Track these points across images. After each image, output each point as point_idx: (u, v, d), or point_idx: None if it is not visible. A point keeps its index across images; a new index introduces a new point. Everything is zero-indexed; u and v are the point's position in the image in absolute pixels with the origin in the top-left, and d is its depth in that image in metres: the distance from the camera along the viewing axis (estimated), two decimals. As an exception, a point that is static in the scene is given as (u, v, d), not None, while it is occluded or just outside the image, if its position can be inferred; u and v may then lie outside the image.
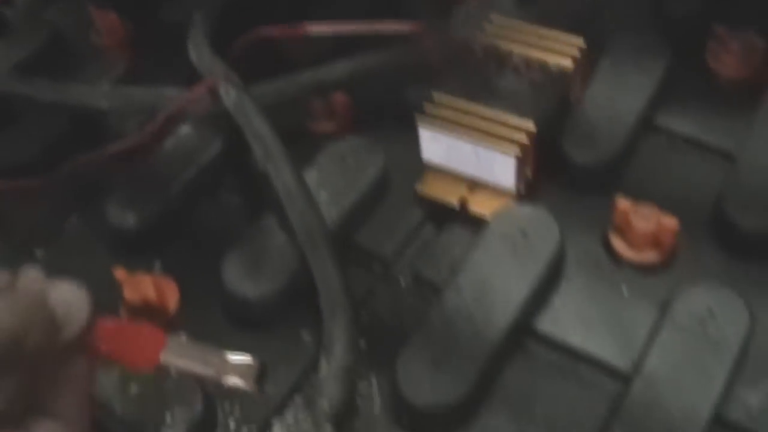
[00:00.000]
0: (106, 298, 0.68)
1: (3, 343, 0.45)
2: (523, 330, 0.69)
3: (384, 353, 0.69)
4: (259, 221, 0.76)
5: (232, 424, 0.68)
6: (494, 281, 0.69)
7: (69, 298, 0.51)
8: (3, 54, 1.00)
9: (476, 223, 0.74)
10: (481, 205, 0.75)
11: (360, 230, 0.78)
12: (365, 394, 0.69)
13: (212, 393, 0.66)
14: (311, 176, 0.76)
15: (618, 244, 0.72)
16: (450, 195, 0.77)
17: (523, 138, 0.71)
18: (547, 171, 0.77)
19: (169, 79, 0.88)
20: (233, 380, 0.57)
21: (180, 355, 0.57)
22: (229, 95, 0.78)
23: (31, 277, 0.51)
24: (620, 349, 0.68)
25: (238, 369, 0.57)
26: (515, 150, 0.71)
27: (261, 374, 0.58)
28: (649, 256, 0.71)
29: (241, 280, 0.72)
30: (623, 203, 0.70)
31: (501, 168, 0.72)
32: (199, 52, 0.85)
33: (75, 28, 1.04)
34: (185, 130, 0.84)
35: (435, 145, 0.74)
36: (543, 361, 0.69)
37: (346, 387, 0.65)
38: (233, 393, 0.64)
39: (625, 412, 0.63)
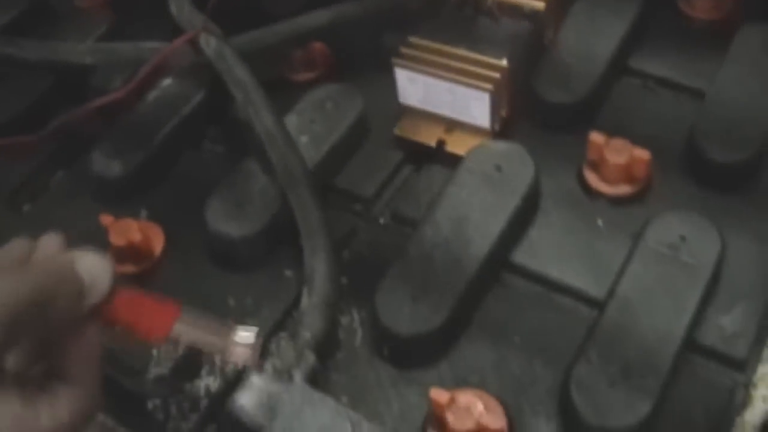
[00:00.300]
0: (92, 245, 0.71)
1: (29, 305, 0.47)
2: (500, 262, 0.71)
3: (365, 289, 0.70)
4: (240, 166, 0.76)
5: (217, 361, 0.69)
6: (471, 214, 0.70)
7: (95, 267, 0.52)
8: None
9: (454, 163, 0.75)
10: (458, 145, 0.77)
11: (340, 173, 0.80)
12: (347, 328, 0.70)
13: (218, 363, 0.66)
14: (291, 122, 0.78)
15: (592, 178, 0.73)
16: (427, 136, 0.79)
17: (496, 75, 0.73)
18: (522, 111, 0.78)
19: (150, 38, 0.88)
20: (238, 356, 0.59)
21: (190, 329, 0.59)
22: (210, 45, 0.80)
23: (51, 243, 0.52)
24: (595, 278, 0.70)
25: (242, 346, 0.59)
26: (489, 86, 0.72)
27: (263, 350, 0.60)
28: (623, 188, 0.73)
29: (224, 221, 0.74)
30: (597, 137, 0.72)
31: (476, 106, 0.73)
32: (179, 5, 0.86)
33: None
34: (168, 82, 0.85)
35: (411, 86, 0.75)
36: (520, 291, 0.71)
37: (327, 318, 0.66)
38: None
39: (599, 335, 0.64)
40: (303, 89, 0.84)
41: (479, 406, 0.61)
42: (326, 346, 0.67)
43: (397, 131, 0.79)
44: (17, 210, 0.84)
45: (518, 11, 0.78)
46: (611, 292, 0.66)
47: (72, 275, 0.50)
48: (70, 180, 0.87)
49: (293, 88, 0.86)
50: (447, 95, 0.74)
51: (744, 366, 0.64)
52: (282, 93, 0.81)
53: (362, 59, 0.87)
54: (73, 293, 0.50)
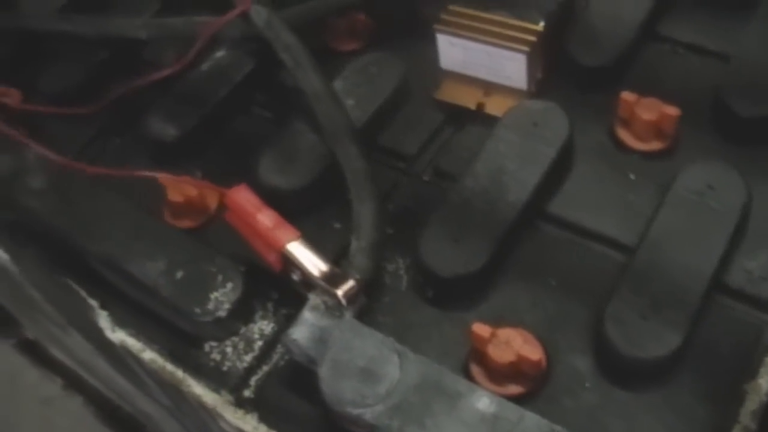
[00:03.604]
0: (149, 202, 0.76)
1: None
2: (536, 211, 0.74)
3: (409, 239, 0.74)
4: (289, 125, 0.81)
5: (270, 306, 0.74)
6: (509, 166, 0.74)
7: None
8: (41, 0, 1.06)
9: (492, 124, 0.79)
10: (496, 107, 0.81)
11: (384, 133, 0.84)
12: (392, 274, 0.74)
13: (301, 290, 0.70)
14: (338, 86, 0.82)
15: (623, 134, 0.77)
16: (467, 99, 0.83)
17: (532, 38, 0.77)
18: (556, 73, 0.82)
19: (197, 13, 0.93)
20: (337, 293, 0.66)
21: (302, 253, 0.66)
22: (260, 15, 0.84)
23: None
24: (627, 226, 0.73)
25: (343, 285, 0.66)
26: (526, 48, 0.76)
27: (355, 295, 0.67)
28: (653, 144, 0.77)
29: (275, 174, 0.78)
30: (628, 95, 0.76)
31: (513, 67, 0.78)
32: (230, -20, 0.90)
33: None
34: (220, 53, 0.90)
35: (452, 50, 0.80)
36: (555, 238, 0.75)
37: (374, 260, 0.70)
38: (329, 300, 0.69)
39: (631, 274, 0.67)
40: (347, 58, 0.88)
41: (518, 340, 0.65)
42: (373, 288, 0.71)
43: (437, 95, 0.82)
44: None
45: (553, -21, 0.81)
46: (642, 237, 0.69)
47: None
48: (126, 144, 0.91)
49: (338, 57, 0.90)
50: (485, 58, 0.78)
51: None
52: (327, 62, 0.84)
53: (402, 28, 0.91)
54: None
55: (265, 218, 0.68)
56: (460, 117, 0.82)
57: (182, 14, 0.93)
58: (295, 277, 0.68)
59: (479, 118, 0.81)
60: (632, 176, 0.75)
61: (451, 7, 0.80)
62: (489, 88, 0.81)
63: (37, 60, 0.99)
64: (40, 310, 1.01)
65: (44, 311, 0.99)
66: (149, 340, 0.74)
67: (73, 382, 1.56)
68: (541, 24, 0.77)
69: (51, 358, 1.60)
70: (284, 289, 0.73)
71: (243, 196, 0.70)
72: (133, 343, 0.75)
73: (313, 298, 0.66)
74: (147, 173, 0.77)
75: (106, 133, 0.92)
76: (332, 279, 0.66)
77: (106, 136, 0.92)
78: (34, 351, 1.64)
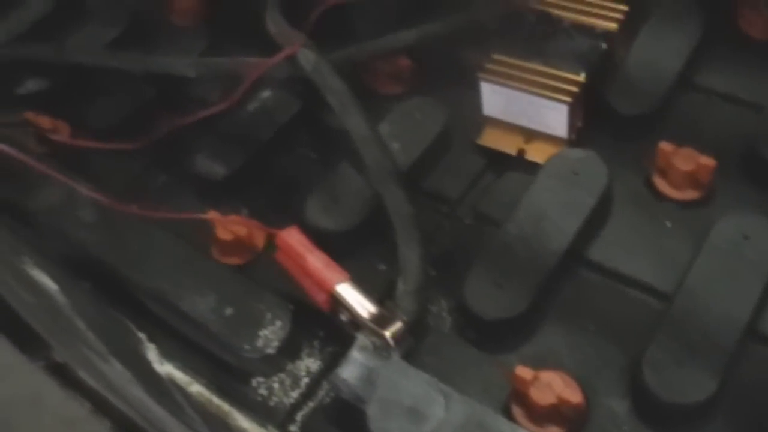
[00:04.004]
0: (197, 239, 0.78)
1: None
2: (576, 257, 0.76)
3: (451, 280, 0.77)
4: (336, 168, 0.84)
5: (316, 343, 0.76)
6: (550, 213, 0.76)
7: None
8: (92, 35, 1.09)
9: (532, 170, 0.82)
10: (536, 153, 0.84)
11: (427, 177, 0.86)
12: (435, 315, 0.76)
13: (349, 330, 0.72)
14: (384, 130, 0.85)
15: (660, 183, 0.80)
16: (508, 145, 0.85)
17: (574, 88, 0.79)
18: (595, 122, 0.85)
19: (245, 53, 0.96)
20: (385, 334, 0.68)
21: (351, 295, 0.69)
22: (308, 60, 0.87)
23: None
24: (663, 274, 0.75)
25: (391, 327, 0.68)
26: (568, 98, 0.79)
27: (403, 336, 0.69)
28: (689, 193, 0.79)
29: (322, 216, 0.81)
30: (666, 146, 0.78)
31: (554, 117, 0.80)
32: (276, 23, 0.93)
33: (153, 10, 1.12)
34: (266, 93, 0.92)
35: (495, 98, 0.82)
36: (594, 284, 0.77)
37: (420, 303, 0.72)
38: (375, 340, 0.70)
39: (668, 321, 0.70)
40: (389, 101, 0.91)
41: (559, 383, 0.67)
42: (418, 329, 0.73)
43: (479, 140, 0.85)
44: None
45: (592, 31, 0.83)
46: (679, 284, 0.71)
47: None
48: (173, 180, 0.93)
49: (380, 99, 0.93)
50: (528, 107, 0.80)
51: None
52: (370, 104, 0.86)
53: (443, 72, 0.93)
54: None
55: (316, 260, 0.71)
56: (501, 162, 0.85)
57: (228, 54, 0.96)
58: (343, 317, 0.70)
59: (520, 163, 0.84)
60: (668, 224, 0.78)
61: (495, 56, 0.82)
62: (530, 134, 0.83)
63: (86, 94, 1.01)
64: (80, 337, 1.03)
65: (85, 339, 1.01)
66: (196, 373, 0.76)
67: (101, 406, 1.58)
68: (583, 75, 0.79)
69: (79, 382, 1.62)
70: (330, 328, 0.74)
71: (294, 238, 0.72)
72: (180, 376, 0.76)
73: (362, 339, 0.68)
74: (198, 215, 0.79)
75: (153, 167, 0.94)
76: (380, 320, 0.68)
77: (152, 171, 0.93)
78: (62, 374, 1.66)
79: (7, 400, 1.85)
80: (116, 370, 0.98)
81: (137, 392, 1.00)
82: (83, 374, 1.47)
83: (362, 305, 0.69)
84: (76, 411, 1.63)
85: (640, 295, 0.75)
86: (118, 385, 1.11)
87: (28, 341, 1.48)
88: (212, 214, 0.81)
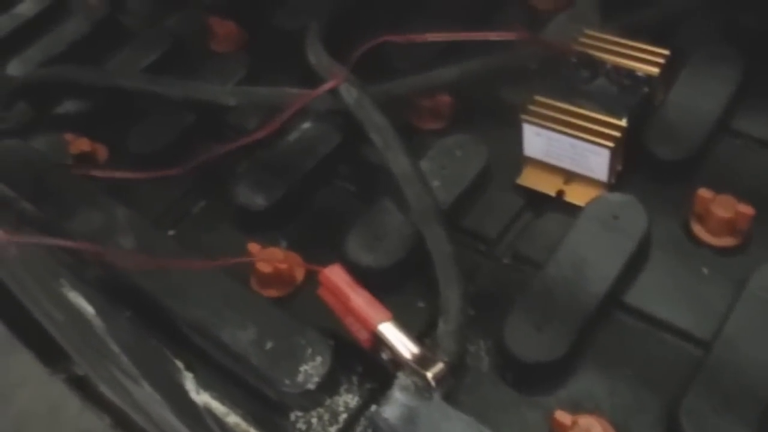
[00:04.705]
0: (236, 269, 0.80)
1: None
2: (613, 301, 0.77)
3: (489, 320, 0.78)
4: (376, 203, 0.85)
5: (354, 379, 0.77)
6: (589, 257, 0.77)
7: None
8: (130, 58, 1.10)
9: (571, 211, 0.83)
10: (575, 195, 0.84)
11: (466, 215, 0.87)
12: (474, 355, 0.77)
13: (390, 369, 0.73)
14: (425, 167, 0.85)
15: (698, 229, 0.80)
16: (547, 186, 0.86)
17: (616, 132, 0.80)
18: (633, 165, 0.86)
19: (283, 82, 0.98)
20: (427, 375, 0.69)
21: (393, 334, 0.69)
22: (351, 94, 0.88)
23: None
24: (701, 320, 0.76)
25: (433, 368, 0.69)
26: (610, 143, 0.80)
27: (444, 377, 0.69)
28: (727, 240, 0.80)
29: (363, 252, 0.81)
30: (705, 192, 0.79)
31: (595, 160, 0.81)
32: (317, 55, 0.94)
33: (194, 36, 1.14)
34: (306, 124, 0.93)
35: (536, 140, 0.83)
36: (631, 328, 0.77)
37: (460, 344, 0.73)
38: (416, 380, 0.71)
39: (705, 370, 0.70)
40: (429, 136, 0.92)
41: (598, 428, 0.68)
42: (458, 370, 0.73)
43: (519, 180, 0.86)
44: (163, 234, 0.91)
45: (634, 75, 0.84)
46: (717, 332, 0.72)
47: None
48: (211, 208, 0.94)
49: (420, 134, 0.94)
50: (569, 150, 0.81)
51: None
52: (409, 139, 0.87)
53: (484, 110, 0.94)
54: None
55: (359, 298, 0.72)
56: (540, 202, 0.85)
57: (266, 82, 0.98)
58: (385, 356, 0.71)
59: (558, 204, 0.84)
60: (705, 270, 0.78)
61: (538, 98, 0.83)
62: (569, 176, 0.84)
63: (124, 117, 1.03)
64: (111, 358, 1.04)
65: (117, 361, 1.02)
66: (234, 404, 0.77)
67: (121, 422, 1.59)
68: (625, 120, 0.80)
69: (100, 397, 1.63)
70: (369, 364, 0.75)
71: (338, 275, 0.73)
72: (217, 406, 0.77)
73: (403, 378, 0.69)
74: (240, 260, 0.81)
75: (192, 193, 0.95)
76: (422, 361, 0.69)
77: (191, 197, 0.94)
78: (82, 387, 1.67)
79: (26, 409, 1.86)
80: (146, 392, 0.99)
81: (167, 414, 1.01)
82: (107, 391, 1.48)
83: (404, 345, 0.69)
84: (94, 424, 1.65)
85: (678, 341, 0.76)
86: (145, 405, 1.12)
87: (51, 355, 1.49)
88: (252, 247, 0.82)
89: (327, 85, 0.88)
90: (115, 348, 0.96)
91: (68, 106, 1.11)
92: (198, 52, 1.13)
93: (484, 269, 0.83)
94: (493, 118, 0.92)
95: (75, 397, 1.73)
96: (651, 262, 0.80)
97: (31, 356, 1.71)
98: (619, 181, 0.84)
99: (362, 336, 0.72)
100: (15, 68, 1.16)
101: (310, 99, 0.90)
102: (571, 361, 0.74)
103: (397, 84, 0.92)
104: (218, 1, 1.17)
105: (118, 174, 0.94)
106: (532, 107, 0.83)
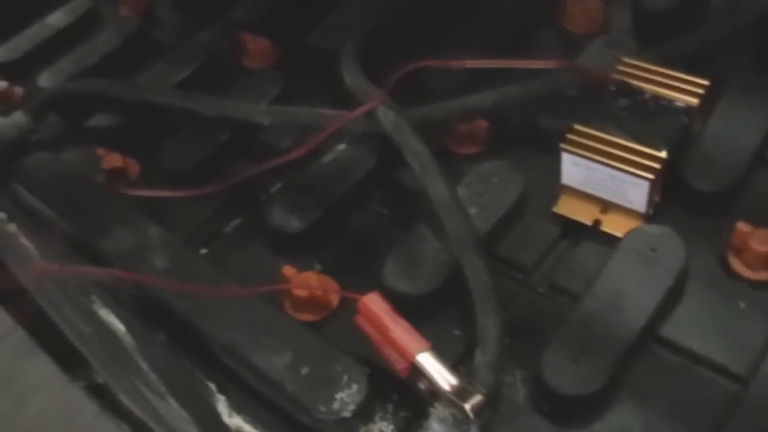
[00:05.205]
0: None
1: None
2: (649, 335, 0.77)
3: (524, 350, 0.77)
4: (412, 230, 0.85)
5: (389, 407, 0.77)
6: (627, 289, 0.77)
7: None
8: (163, 73, 1.10)
9: (607, 241, 0.83)
10: (612, 225, 0.84)
11: (502, 243, 0.86)
12: (510, 385, 0.77)
13: (427, 398, 0.73)
14: (461, 193, 0.85)
15: (735, 262, 0.80)
16: (584, 215, 0.86)
17: (656, 164, 0.80)
18: (670, 195, 0.85)
19: (314, 101, 0.98)
20: (465, 407, 0.69)
21: (432, 365, 0.69)
22: (388, 117, 0.88)
23: None
24: (737, 355, 0.76)
25: (471, 400, 0.69)
26: (650, 175, 0.79)
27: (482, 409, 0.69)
28: (764, 274, 0.79)
29: (400, 279, 0.81)
30: (743, 226, 0.78)
31: (635, 191, 0.81)
32: (353, 77, 0.94)
33: (226, 51, 1.14)
34: (341, 146, 0.93)
35: (575, 169, 0.83)
36: (667, 361, 0.77)
37: (498, 375, 0.73)
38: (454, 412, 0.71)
39: (742, 407, 0.70)
40: (465, 161, 0.92)
41: (635, 463, 0.68)
42: (495, 400, 0.73)
43: (555, 209, 0.86)
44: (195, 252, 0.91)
45: (674, 105, 0.84)
46: (754, 368, 0.72)
47: None
48: (243, 228, 0.94)
49: (456, 159, 0.94)
50: (608, 180, 0.81)
51: None
52: (445, 162, 0.87)
53: (520, 136, 0.94)
54: None
55: (398, 327, 0.71)
56: (576, 231, 0.85)
57: (299, 100, 0.99)
58: (422, 385, 0.70)
59: (594, 234, 0.84)
60: (742, 305, 0.78)
61: (577, 127, 0.83)
62: (606, 206, 0.84)
63: (156, 133, 1.03)
64: (138, 374, 1.03)
65: (144, 378, 1.01)
66: (266, 429, 0.77)
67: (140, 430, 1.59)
68: (665, 152, 0.80)
69: (119, 406, 1.63)
70: (403, 392, 0.75)
71: (377, 304, 0.73)
72: (249, 430, 0.77)
73: (440, 410, 0.69)
74: (277, 287, 0.82)
75: (222, 212, 0.95)
76: (460, 392, 0.68)
77: (223, 215, 0.94)
78: (101, 395, 1.67)
79: (42, 413, 1.86)
80: (172, 409, 0.98)
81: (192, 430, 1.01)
82: (128, 402, 1.48)
83: (443, 376, 0.69)
84: (109, 431, 1.65)
85: (714, 376, 0.76)
86: (170, 421, 1.12)
87: (70, 362, 1.49)
88: (288, 271, 0.82)
89: (364, 108, 0.88)
90: (143, 365, 0.96)
91: (99, 120, 1.11)
92: (231, 68, 1.13)
93: (520, 298, 0.83)
94: (528, 143, 0.92)
95: (92, 403, 1.73)
96: (687, 295, 0.80)
97: (50, 361, 1.71)
98: (655, 211, 0.83)
99: (399, 365, 0.72)
100: (46, 80, 1.16)
101: (346, 121, 0.88)
102: (607, 395, 0.74)
103: (434, 108, 0.92)
104: (251, 17, 1.17)
105: (151, 192, 0.93)
106: (571, 136, 0.83)
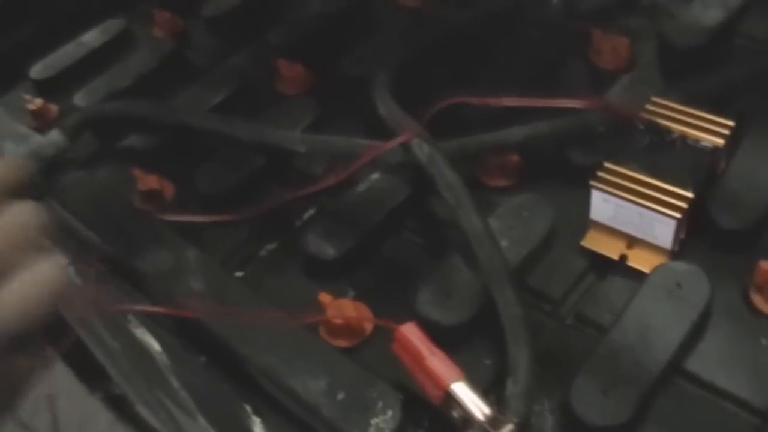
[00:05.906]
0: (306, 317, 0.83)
1: None
2: (675, 368, 0.79)
3: (552, 380, 0.80)
4: (445, 260, 0.87)
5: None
6: (653, 324, 0.79)
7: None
8: (198, 96, 1.13)
9: (633, 276, 0.86)
10: (638, 261, 0.87)
11: (531, 274, 0.89)
12: (538, 414, 0.79)
13: (460, 426, 0.75)
14: (493, 225, 0.88)
15: (758, 299, 0.83)
16: (611, 250, 0.88)
17: (683, 204, 0.83)
18: (695, 232, 0.88)
19: (347, 127, 1.01)
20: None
21: (466, 394, 0.72)
22: (422, 149, 0.91)
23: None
24: (760, 390, 0.78)
25: (503, 429, 0.71)
26: (678, 214, 0.82)
27: None
28: (787, 312, 0.82)
29: (434, 308, 0.84)
30: (766, 265, 0.81)
31: (662, 229, 0.83)
32: (388, 108, 0.97)
33: (260, 76, 1.16)
34: (375, 176, 0.96)
35: (604, 206, 0.85)
36: (690, 395, 0.80)
37: (529, 405, 0.75)
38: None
39: (766, 443, 0.73)
40: (496, 193, 0.95)
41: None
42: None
43: (583, 243, 0.88)
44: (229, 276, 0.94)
45: (700, 145, 0.87)
46: (776, 406, 0.74)
47: None
48: (278, 252, 0.97)
49: (487, 191, 0.97)
50: (636, 217, 0.84)
51: None
52: (477, 195, 0.90)
53: (550, 170, 0.97)
54: None
55: (434, 357, 0.74)
56: (603, 265, 0.88)
57: (332, 127, 1.02)
58: (455, 413, 0.73)
59: (620, 268, 0.86)
60: (764, 341, 0.80)
61: (607, 165, 0.85)
62: (633, 242, 0.86)
63: (189, 154, 1.05)
64: (167, 392, 1.06)
65: (173, 395, 1.04)
66: (302, 451, 0.79)
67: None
68: (691, 191, 0.82)
69: (135, 415, 1.66)
70: (435, 418, 0.78)
71: (413, 333, 0.75)
72: (285, 451, 0.80)
73: (473, 439, 0.71)
74: (314, 318, 0.85)
75: (257, 236, 0.98)
76: (493, 422, 0.71)
77: (258, 240, 0.97)
78: (118, 406, 1.70)
79: (59, 420, 1.89)
80: (200, 427, 1.01)
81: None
82: (148, 416, 1.51)
83: (477, 405, 0.72)
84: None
85: (736, 410, 0.78)
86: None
87: (90, 374, 1.52)
88: (324, 297, 0.84)
89: (399, 139, 0.91)
90: (175, 383, 0.98)
91: (134, 140, 1.14)
92: (265, 93, 1.15)
93: (548, 329, 0.85)
94: (558, 177, 0.94)
95: (108, 413, 1.75)
96: (711, 330, 0.82)
97: (68, 370, 1.74)
98: (681, 248, 0.86)
99: (434, 393, 0.74)
100: (81, 99, 1.18)
101: (381, 151, 0.91)
102: (634, 426, 0.76)
103: (467, 141, 0.95)
104: (286, 42, 1.19)
105: (186, 218, 0.96)
106: (601, 174, 0.85)
